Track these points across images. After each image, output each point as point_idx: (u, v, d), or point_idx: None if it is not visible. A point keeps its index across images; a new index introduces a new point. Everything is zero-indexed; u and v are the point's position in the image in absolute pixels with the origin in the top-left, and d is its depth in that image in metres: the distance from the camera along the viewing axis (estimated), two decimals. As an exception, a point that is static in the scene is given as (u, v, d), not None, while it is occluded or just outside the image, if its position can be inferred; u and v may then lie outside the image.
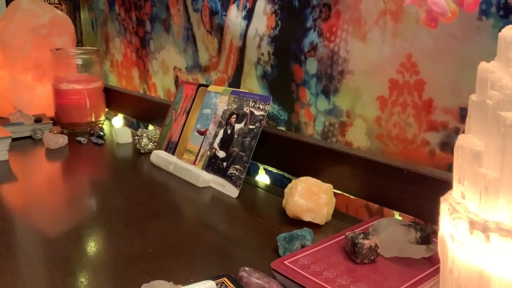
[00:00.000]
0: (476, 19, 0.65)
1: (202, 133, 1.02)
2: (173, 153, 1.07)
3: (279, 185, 0.97)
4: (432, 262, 0.59)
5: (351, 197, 0.82)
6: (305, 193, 0.75)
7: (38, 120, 1.34)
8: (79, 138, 1.28)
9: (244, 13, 1.03)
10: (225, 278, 0.56)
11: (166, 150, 1.10)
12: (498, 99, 0.36)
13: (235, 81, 1.09)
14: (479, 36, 0.65)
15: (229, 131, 0.96)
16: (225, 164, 0.93)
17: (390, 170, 0.73)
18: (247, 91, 0.98)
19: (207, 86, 1.07)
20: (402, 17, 0.74)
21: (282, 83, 0.97)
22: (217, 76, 1.14)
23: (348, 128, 0.86)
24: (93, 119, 1.41)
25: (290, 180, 0.84)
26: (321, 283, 0.54)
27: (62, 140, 1.23)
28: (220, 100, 1.01)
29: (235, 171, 0.90)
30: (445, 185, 0.46)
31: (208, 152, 0.98)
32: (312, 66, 0.90)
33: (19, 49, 1.41)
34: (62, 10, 1.70)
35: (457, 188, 0.40)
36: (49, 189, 0.99)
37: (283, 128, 0.98)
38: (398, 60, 0.75)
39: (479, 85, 0.39)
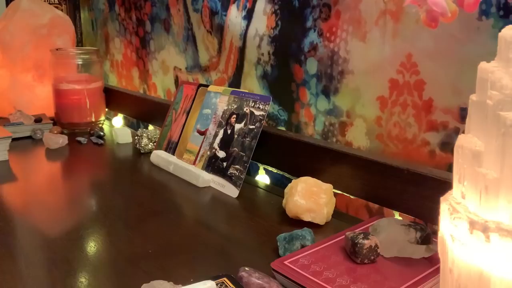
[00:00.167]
0: (476, 19, 0.65)
1: (202, 133, 1.02)
2: (173, 153, 1.07)
3: (279, 185, 0.97)
4: (432, 262, 0.59)
5: (351, 197, 0.82)
6: (305, 193, 0.75)
7: (38, 120, 1.34)
8: (79, 138, 1.28)
9: (244, 13, 1.03)
10: (225, 278, 0.55)
11: (166, 150, 1.10)
12: (498, 99, 0.36)
13: (235, 81, 1.09)
14: (479, 36, 0.65)
15: (229, 131, 0.96)
16: (225, 164, 0.93)
17: (390, 170, 0.73)
18: (247, 91, 0.98)
19: (207, 86, 1.07)
20: (402, 17, 0.74)
21: (282, 83, 0.97)
22: (217, 76, 1.14)
23: (348, 128, 0.86)
24: (93, 119, 1.41)
25: (290, 180, 0.84)
26: (321, 283, 0.54)
27: (62, 140, 1.23)
28: (220, 100, 1.01)
29: (235, 171, 0.90)
30: (445, 185, 0.46)
31: (208, 152, 0.98)
32: (312, 66, 0.90)
33: (19, 49, 1.41)
34: (62, 10, 1.70)
35: (457, 188, 0.40)
36: (49, 189, 1.00)
37: (283, 128, 0.98)
38: (398, 60, 0.75)
39: (479, 85, 0.39)
